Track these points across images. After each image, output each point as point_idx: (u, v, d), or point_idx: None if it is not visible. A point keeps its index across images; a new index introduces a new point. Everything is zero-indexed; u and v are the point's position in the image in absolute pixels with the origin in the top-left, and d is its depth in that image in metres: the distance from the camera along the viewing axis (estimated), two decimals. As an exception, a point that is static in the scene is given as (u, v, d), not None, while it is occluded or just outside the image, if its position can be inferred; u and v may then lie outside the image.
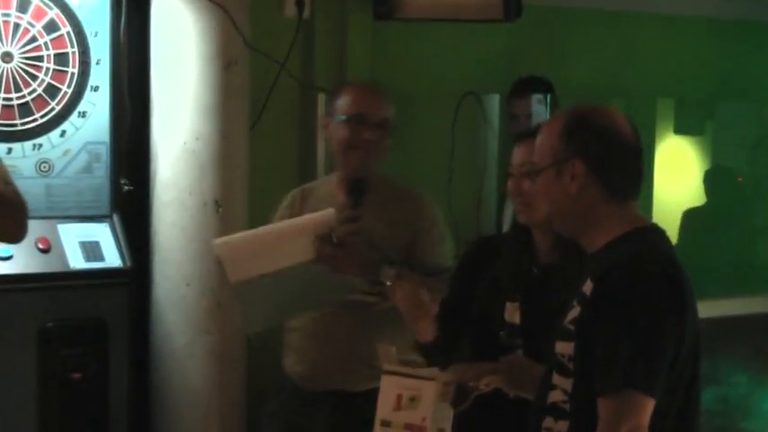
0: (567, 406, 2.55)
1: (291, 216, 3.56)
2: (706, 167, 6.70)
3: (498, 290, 3.04)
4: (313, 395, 3.55)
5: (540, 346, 2.86)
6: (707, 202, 6.47)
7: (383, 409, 2.86)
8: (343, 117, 3.45)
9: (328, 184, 3.63)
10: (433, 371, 2.86)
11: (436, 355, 3.06)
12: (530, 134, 2.98)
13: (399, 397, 2.81)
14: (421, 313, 3.05)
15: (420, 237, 3.50)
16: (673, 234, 5.96)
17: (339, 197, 3.52)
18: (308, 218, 3.38)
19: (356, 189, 3.44)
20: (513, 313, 2.95)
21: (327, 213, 3.31)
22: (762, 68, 6.04)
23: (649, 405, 2.40)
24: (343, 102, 3.50)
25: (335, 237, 3.26)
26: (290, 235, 3.32)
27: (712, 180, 6.57)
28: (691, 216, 6.32)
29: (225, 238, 3.43)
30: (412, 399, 2.78)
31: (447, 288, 3.29)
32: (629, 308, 2.42)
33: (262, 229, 3.43)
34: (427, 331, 3.07)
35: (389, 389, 2.85)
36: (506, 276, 3.05)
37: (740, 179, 6.71)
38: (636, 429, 2.40)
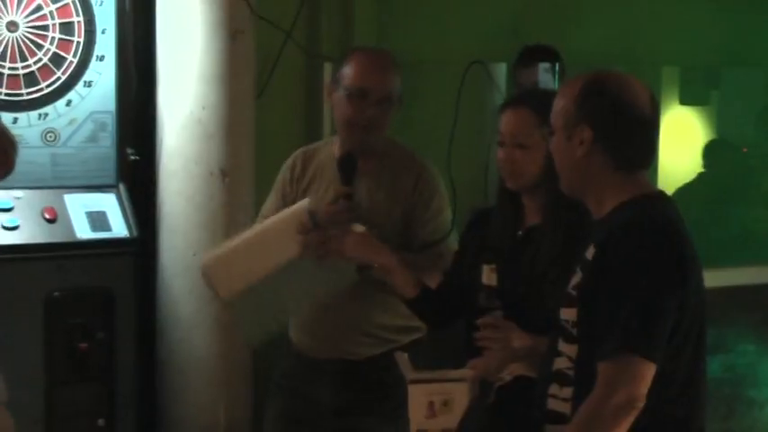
0: (572, 372, 2.56)
1: (292, 178, 3.56)
2: (711, 137, 6.69)
3: (483, 253, 3.06)
4: (317, 362, 3.56)
5: (519, 307, 2.90)
6: (712, 172, 6.46)
7: (416, 419, 2.85)
8: (346, 91, 3.40)
9: (329, 146, 3.60)
10: (460, 372, 2.85)
11: (426, 311, 3.13)
12: (516, 102, 3.02)
13: (432, 404, 2.80)
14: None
15: (417, 209, 3.48)
16: (679, 202, 5.98)
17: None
18: (283, 214, 3.37)
19: (347, 166, 3.39)
20: (489, 275, 2.95)
21: (301, 205, 3.31)
22: (767, 36, 6.02)
23: (650, 370, 2.40)
24: (348, 72, 3.43)
25: (318, 220, 3.26)
26: (270, 236, 3.32)
27: (717, 150, 6.56)
28: (697, 185, 6.32)
29: (210, 255, 3.43)
30: (445, 403, 2.77)
31: (437, 261, 3.31)
32: (629, 272, 2.43)
33: (243, 236, 3.40)
34: (410, 287, 3.13)
35: (419, 398, 2.83)
36: (491, 240, 3.08)
37: (745, 149, 6.70)
38: (633, 395, 2.40)
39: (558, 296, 2.64)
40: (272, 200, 3.60)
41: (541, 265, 2.93)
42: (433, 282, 3.23)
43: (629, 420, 2.42)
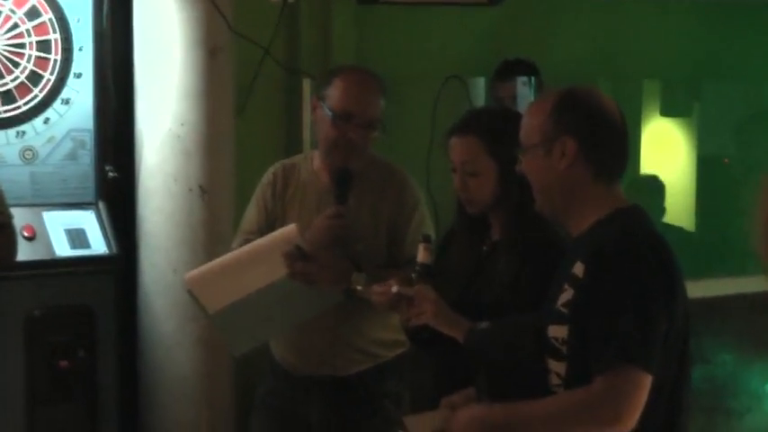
0: (561, 390, 2.55)
1: (274, 194, 3.54)
2: (692, 149, 6.69)
3: (448, 273, 3.08)
4: (305, 380, 3.55)
5: (484, 319, 2.88)
6: (693, 183, 6.47)
7: None
8: (330, 113, 3.38)
9: (310, 162, 3.57)
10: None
11: (423, 339, 3.06)
12: (461, 129, 3.02)
13: None
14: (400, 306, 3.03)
15: (400, 224, 3.48)
16: (660, 214, 5.99)
17: (322, 179, 3.50)
18: (272, 237, 3.35)
19: (342, 181, 3.39)
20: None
21: (290, 230, 3.30)
22: (747, 48, 6.04)
23: (647, 381, 2.41)
24: (333, 93, 3.40)
25: (304, 250, 3.26)
26: (258, 256, 3.31)
27: (698, 161, 6.58)
28: (678, 196, 6.32)
29: (194, 271, 3.40)
30: None
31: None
32: (622, 287, 2.43)
33: (229, 255, 3.40)
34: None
35: None
36: (458, 257, 3.11)
37: (726, 161, 6.71)
38: (635, 407, 2.40)
39: (541, 313, 2.64)
40: (252, 214, 3.57)
41: (503, 278, 2.94)
42: None
43: None
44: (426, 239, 3.04)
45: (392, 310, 3.08)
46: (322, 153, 3.49)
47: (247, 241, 3.46)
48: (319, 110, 3.44)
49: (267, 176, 3.60)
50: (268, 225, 3.50)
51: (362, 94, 3.42)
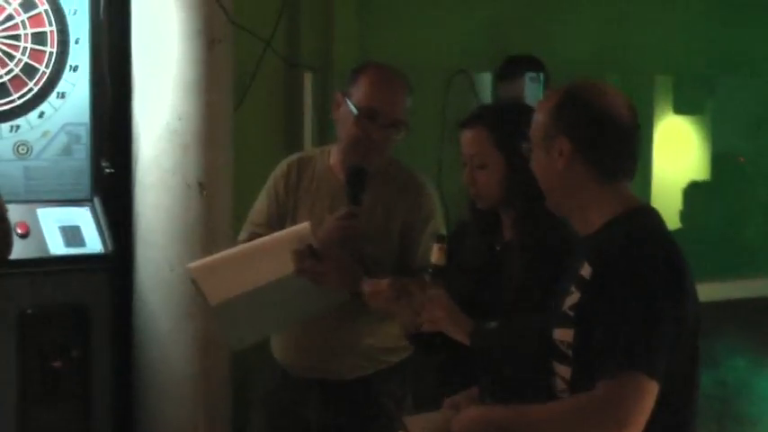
0: (566, 395, 2.53)
1: (287, 185, 3.49)
2: (707, 147, 6.65)
3: (459, 270, 3.02)
4: (305, 381, 3.51)
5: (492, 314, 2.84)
6: (708, 182, 6.42)
7: None
8: (354, 110, 3.33)
9: (326, 157, 3.53)
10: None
11: (423, 344, 3.02)
12: (471, 121, 2.97)
13: None
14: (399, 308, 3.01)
15: (413, 231, 3.43)
16: (672, 214, 5.93)
17: (338, 175, 3.45)
18: (284, 233, 3.32)
19: (356, 181, 3.33)
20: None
21: (303, 228, 3.27)
22: (762, 42, 6.01)
23: (653, 388, 2.37)
24: (358, 90, 3.36)
25: (316, 250, 3.22)
26: (267, 251, 3.27)
27: (713, 159, 6.53)
28: (692, 195, 6.28)
29: (199, 261, 3.36)
30: None
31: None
32: (631, 291, 2.39)
33: (236, 248, 3.37)
34: (412, 325, 3.00)
35: None
36: (467, 255, 3.05)
37: (742, 159, 6.65)
38: (639, 414, 2.36)
39: (548, 315, 2.59)
40: (263, 205, 3.53)
41: (516, 280, 2.87)
42: None
43: None
44: (440, 239, 2.97)
45: (387, 310, 3.05)
46: (341, 151, 3.44)
47: (255, 234, 3.44)
48: (343, 106, 3.39)
49: (281, 168, 3.55)
50: (279, 218, 3.47)
51: (389, 92, 3.37)
